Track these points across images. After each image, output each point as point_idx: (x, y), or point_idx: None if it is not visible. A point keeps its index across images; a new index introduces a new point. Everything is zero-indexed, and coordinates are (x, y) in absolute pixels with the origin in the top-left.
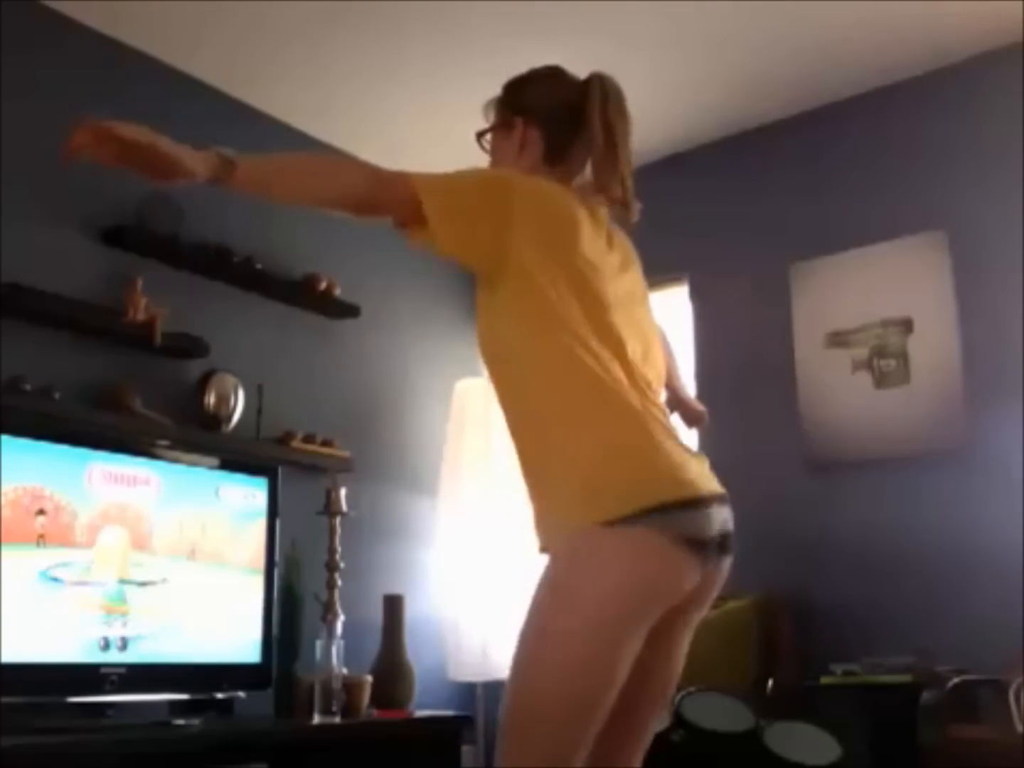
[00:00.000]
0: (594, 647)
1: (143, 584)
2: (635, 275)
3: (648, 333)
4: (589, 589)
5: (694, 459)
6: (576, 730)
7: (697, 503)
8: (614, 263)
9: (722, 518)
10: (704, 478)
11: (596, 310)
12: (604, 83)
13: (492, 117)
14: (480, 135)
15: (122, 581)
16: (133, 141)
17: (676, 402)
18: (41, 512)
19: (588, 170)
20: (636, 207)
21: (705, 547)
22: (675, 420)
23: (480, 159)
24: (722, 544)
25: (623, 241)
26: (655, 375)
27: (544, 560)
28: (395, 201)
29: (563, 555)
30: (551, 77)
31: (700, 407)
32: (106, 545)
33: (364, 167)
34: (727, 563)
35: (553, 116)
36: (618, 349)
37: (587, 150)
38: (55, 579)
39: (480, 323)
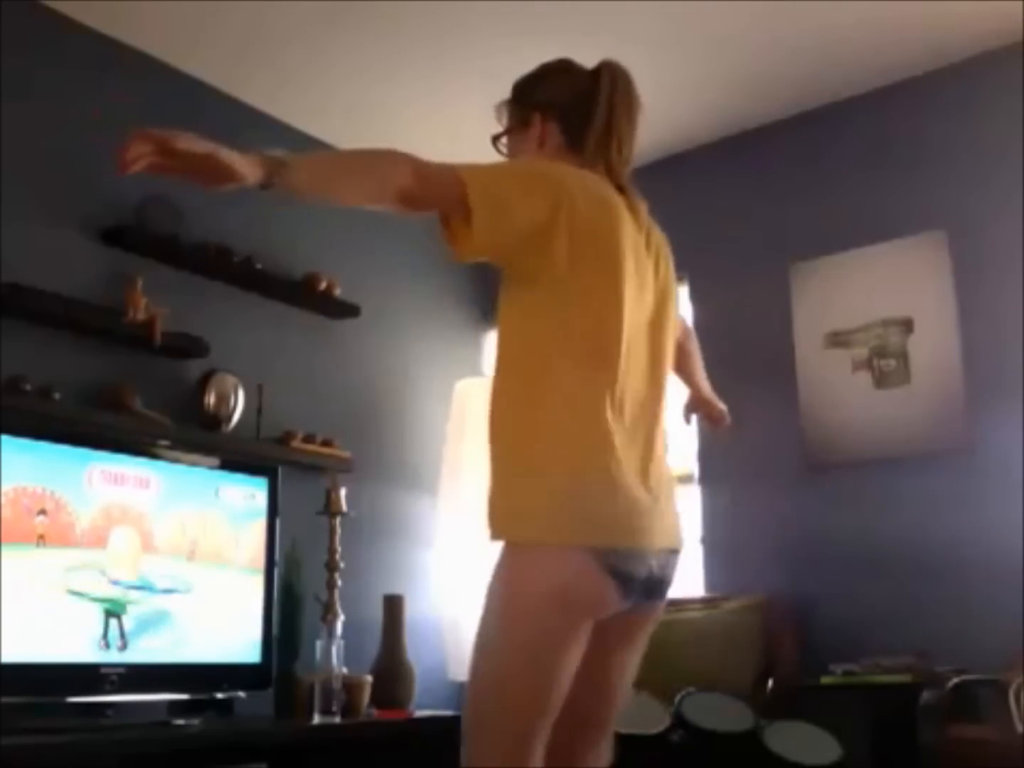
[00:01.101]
0: (535, 650)
1: (143, 584)
2: (665, 273)
3: (663, 358)
4: (529, 596)
5: (655, 509)
6: (526, 729)
7: (633, 550)
8: (648, 268)
9: (659, 564)
10: (657, 529)
11: (614, 330)
12: (613, 70)
13: (504, 119)
14: (496, 138)
15: (122, 581)
16: (191, 153)
17: (699, 402)
18: (42, 512)
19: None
20: (634, 192)
21: (629, 583)
22: (695, 420)
23: (491, 155)
24: (651, 588)
25: (658, 234)
26: (657, 405)
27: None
28: (439, 194)
29: (504, 563)
30: (562, 70)
31: (722, 407)
32: (118, 546)
33: (410, 161)
34: (655, 608)
35: (569, 107)
36: (628, 370)
37: (596, 137)
38: (55, 579)
39: (502, 322)
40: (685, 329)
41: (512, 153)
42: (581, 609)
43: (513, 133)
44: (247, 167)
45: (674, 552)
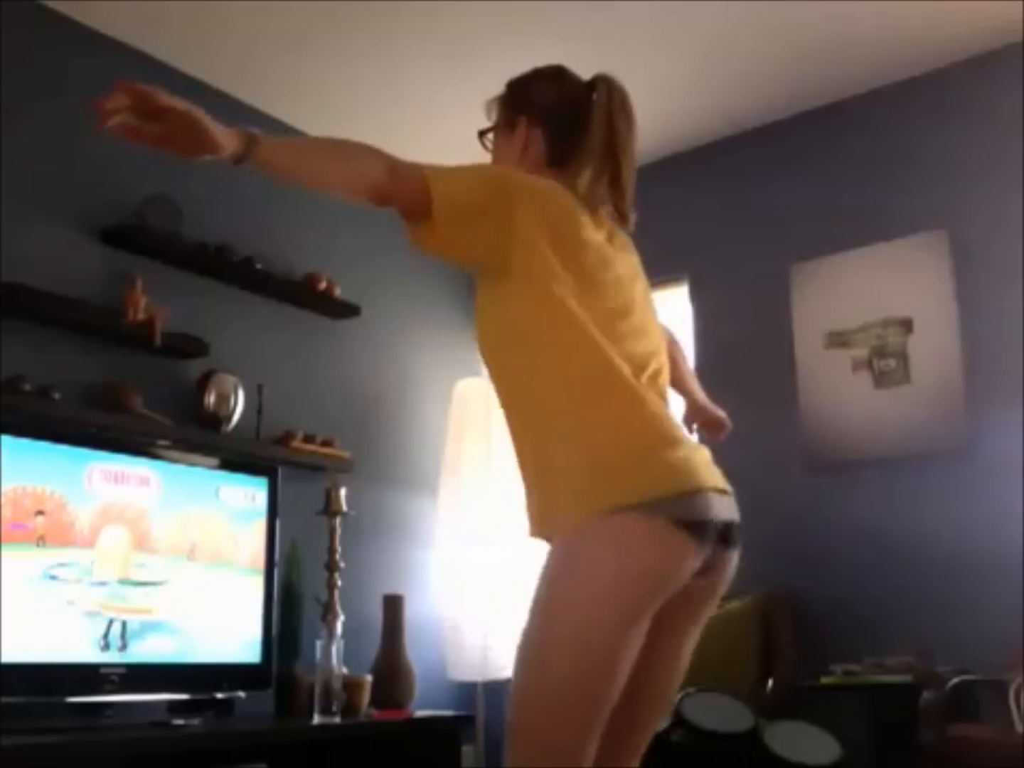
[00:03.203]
0: (595, 642)
1: (143, 584)
2: (636, 275)
3: (652, 329)
4: (587, 585)
5: (697, 453)
6: (582, 725)
7: (696, 492)
8: (614, 259)
9: (723, 506)
10: (707, 472)
11: (600, 303)
12: (611, 87)
13: (494, 115)
14: (482, 133)
15: (122, 581)
16: (170, 107)
17: (695, 410)
18: (40, 512)
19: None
20: (632, 218)
21: (704, 530)
22: (694, 430)
23: (482, 157)
24: (725, 534)
25: (625, 242)
26: (659, 366)
27: (541, 547)
28: (407, 193)
29: (561, 549)
30: (555, 77)
31: (720, 414)
32: (107, 545)
33: (383, 157)
34: (733, 557)
35: (557, 116)
36: (623, 339)
37: (591, 155)
38: (55, 579)
39: (482, 318)
40: (671, 339)
41: (496, 151)
42: (652, 584)
43: (499, 131)
44: (224, 137)
45: (726, 492)
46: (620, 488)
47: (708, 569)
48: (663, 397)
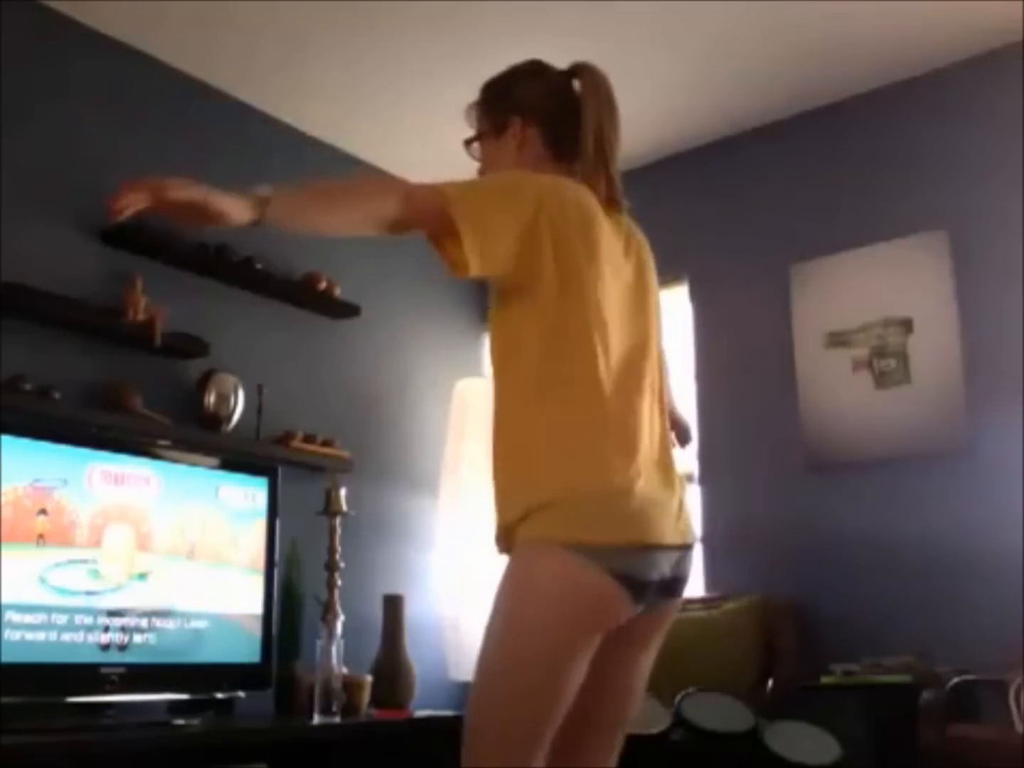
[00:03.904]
0: (537, 669)
1: (143, 584)
2: (647, 281)
3: (652, 350)
4: (530, 615)
5: (661, 503)
6: (532, 730)
7: (643, 549)
8: (629, 274)
9: (670, 563)
10: (664, 527)
11: (605, 333)
12: (593, 75)
13: (476, 123)
14: (468, 142)
15: (122, 581)
16: (187, 200)
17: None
18: (42, 511)
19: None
20: (624, 204)
21: (641, 588)
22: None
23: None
24: (666, 588)
25: (640, 241)
26: (654, 392)
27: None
28: (428, 217)
29: (511, 573)
30: (537, 72)
31: (686, 423)
32: (112, 544)
33: (395, 187)
34: (673, 605)
35: (548, 111)
36: (620, 371)
37: (581, 143)
38: (55, 578)
39: (497, 332)
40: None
41: (487, 159)
42: (588, 613)
43: (487, 138)
44: (236, 209)
45: (687, 548)
46: (574, 524)
47: (650, 611)
48: (651, 436)
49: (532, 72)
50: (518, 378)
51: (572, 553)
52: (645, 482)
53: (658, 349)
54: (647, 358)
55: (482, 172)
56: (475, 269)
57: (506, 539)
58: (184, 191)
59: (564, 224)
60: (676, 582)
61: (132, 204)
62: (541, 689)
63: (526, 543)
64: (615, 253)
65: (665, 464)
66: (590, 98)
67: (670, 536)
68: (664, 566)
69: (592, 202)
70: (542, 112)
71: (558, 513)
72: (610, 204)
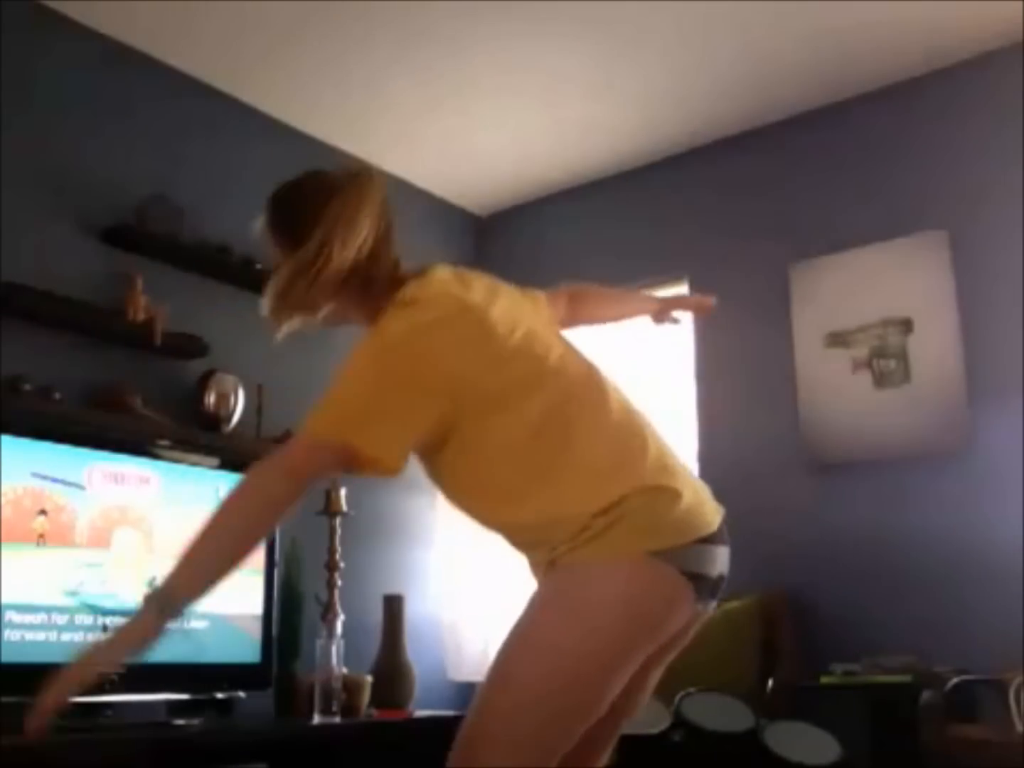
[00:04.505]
0: (587, 674)
1: (142, 584)
2: (513, 301)
3: (585, 360)
4: (591, 619)
5: (699, 489)
6: (559, 737)
7: (704, 542)
8: (502, 310)
9: (723, 560)
10: (710, 511)
11: (559, 388)
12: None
13: (266, 242)
14: (272, 271)
15: (122, 581)
16: (96, 675)
17: (662, 310)
18: (42, 512)
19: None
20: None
21: (705, 584)
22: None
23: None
24: (715, 588)
25: (474, 281)
26: (618, 393)
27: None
28: (326, 461)
29: (572, 575)
30: (316, 189)
31: (678, 296)
32: (114, 546)
33: (271, 468)
34: (710, 607)
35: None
36: (595, 398)
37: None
38: (54, 578)
39: (449, 481)
40: (573, 296)
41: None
42: (653, 626)
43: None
44: (140, 643)
45: (724, 532)
46: (642, 536)
47: (694, 613)
48: (653, 439)
49: (315, 195)
50: (501, 479)
51: (646, 561)
52: (681, 473)
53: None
54: (593, 370)
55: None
56: (395, 460)
57: (564, 555)
58: (84, 673)
59: (456, 354)
60: (721, 580)
61: (47, 722)
62: (592, 693)
63: (590, 560)
64: (504, 323)
65: (672, 454)
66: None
67: (717, 520)
68: (720, 560)
69: (455, 300)
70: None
71: (621, 529)
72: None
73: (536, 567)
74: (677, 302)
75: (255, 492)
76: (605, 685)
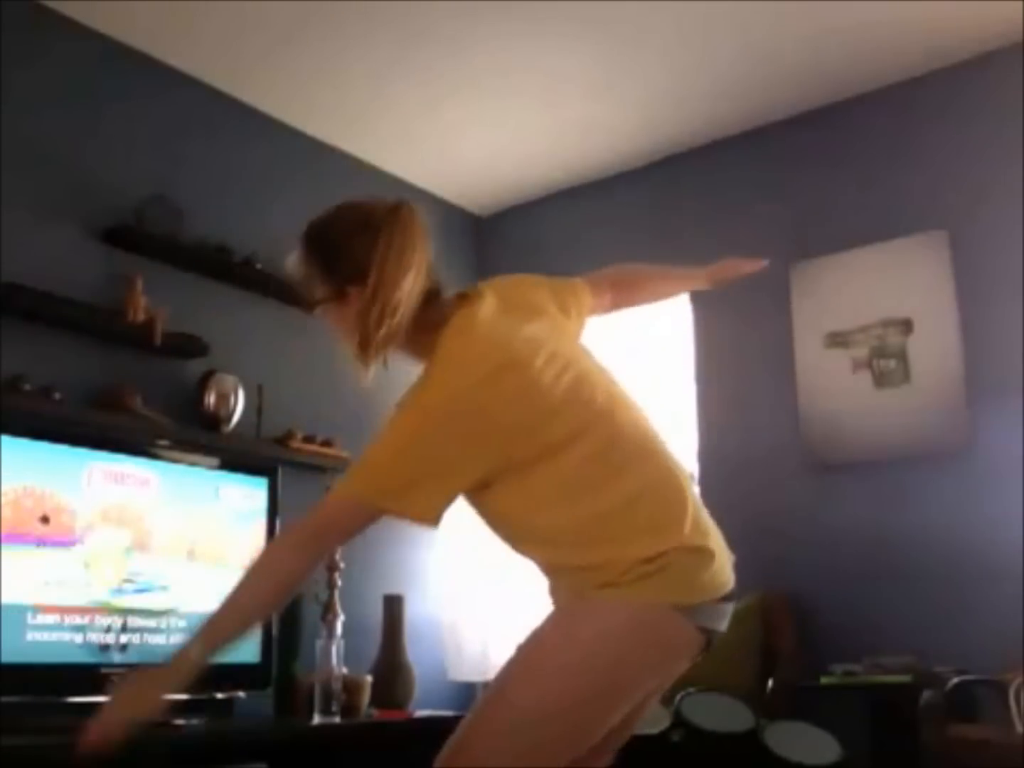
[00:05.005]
0: (591, 700)
1: (143, 584)
2: (547, 327)
3: (617, 393)
4: (620, 642)
5: (723, 546)
6: (545, 761)
7: (722, 601)
8: (546, 350)
9: (725, 617)
10: (729, 570)
11: (580, 451)
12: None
13: (309, 278)
14: (314, 306)
15: (122, 581)
16: (128, 726)
17: (712, 279)
18: (45, 520)
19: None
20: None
21: (713, 637)
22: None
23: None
24: (711, 641)
25: (506, 294)
26: (664, 449)
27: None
28: (355, 527)
29: (600, 607)
30: (356, 225)
31: (731, 263)
32: (100, 546)
33: (297, 538)
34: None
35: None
36: (623, 464)
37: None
38: (54, 578)
39: (493, 518)
40: (617, 281)
41: (339, 322)
42: (658, 671)
43: (330, 305)
44: (170, 690)
45: (733, 594)
46: (673, 588)
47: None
48: (677, 486)
49: (353, 228)
50: (546, 524)
51: (669, 613)
52: (706, 536)
53: (614, 384)
54: (633, 409)
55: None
56: (435, 518)
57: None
58: (125, 720)
59: (490, 406)
60: (716, 635)
61: (98, 745)
62: (598, 717)
63: (618, 600)
64: (539, 358)
65: (696, 510)
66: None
67: (731, 580)
68: (728, 616)
69: (500, 343)
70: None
71: (658, 580)
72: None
73: (558, 592)
74: (726, 268)
75: (269, 573)
76: (600, 718)
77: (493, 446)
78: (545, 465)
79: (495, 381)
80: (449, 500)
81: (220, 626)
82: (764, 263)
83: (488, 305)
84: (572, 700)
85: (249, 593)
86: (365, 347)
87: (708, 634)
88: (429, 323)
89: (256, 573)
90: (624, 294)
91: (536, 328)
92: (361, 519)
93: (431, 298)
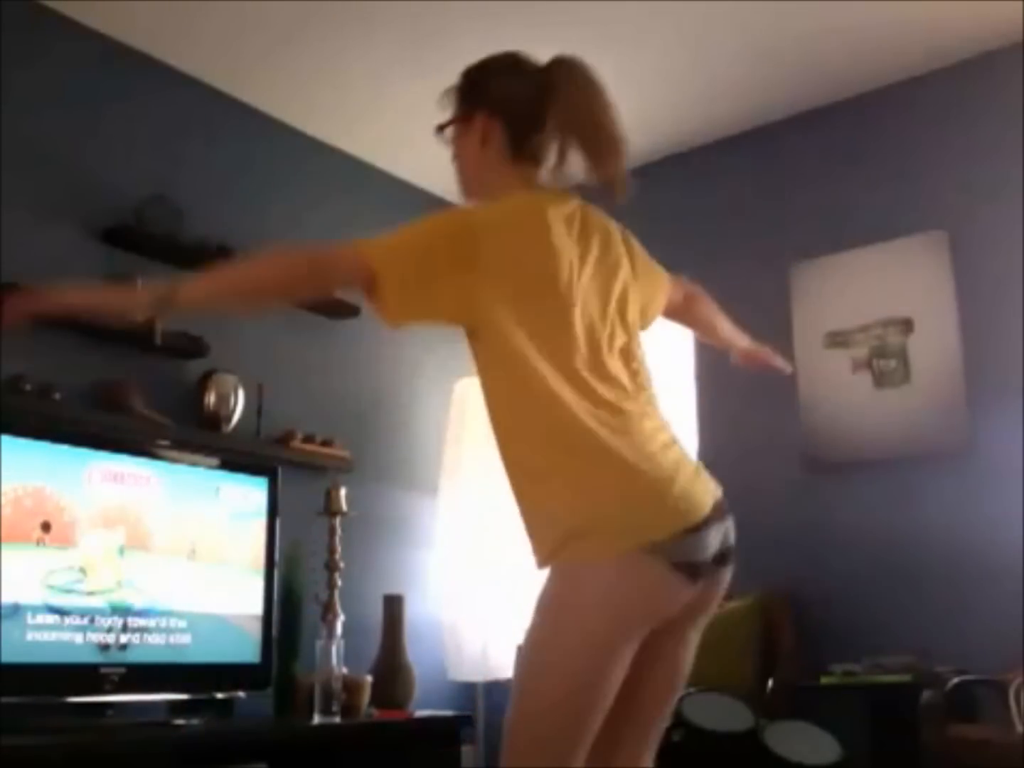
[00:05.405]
0: (587, 661)
1: (143, 584)
2: (613, 264)
3: (633, 338)
4: (582, 612)
5: (688, 477)
6: (573, 734)
7: (694, 531)
8: (589, 273)
9: (720, 535)
10: (699, 496)
11: (564, 352)
12: (566, 65)
13: (451, 107)
14: (440, 128)
15: (122, 581)
16: (72, 306)
17: (744, 356)
18: (46, 527)
19: (552, 159)
20: (623, 189)
21: (699, 568)
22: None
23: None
24: (720, 559)
25: (600, 226)
26: (647, 392)
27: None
28: (347, 276)
29: (559, 578)
30: (511, 66)
31: (768, 353)
32: (100, 546)
33: (301, 253)
34: (727, 573)
35: (515, 107)
36: (593, 383)
37: (558, 139)
38: (54, 578)
39: (478, 376)
40: (689, 293)
41: (456, 146)
42: (651, 612)
43: (457, 125)
44: (127, 304)
45: (721, 508)
46: (628, 533)
47: (705, 588)
48: (646, 415)
49: (506, 65)
50: (504, 418)
51: (635, 558)
52: (666, 463)
53: (636, 332)
54: (629, 345)
55: (454, 158)
56: (396, 316)
57: (547, 559)
58: (62, 297)
59: (505, 258)
60: (726, 552)
61: (17, 318)
62: (593, 688)
63: (578, 560)
64: (571, 255)
65: (666, 433)
66: (561, 95)
67: (704, 504)
68: (714, 541)
69: (543, 218)
70: (507, 108)
71: (610, 529)
72: (611, 189)
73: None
74: (759, 356)
75: (279, 259)
76: (599, 677)
77: (479, 283)
78: (514, 357)
79: (518, 237)
80: (418, 307)
81: (192, 280)
82: (790, 369)
83: (564, 211)
84: (568, 669)
85: (233, 268)
86: (474, 173)
87: (690, 567)
88: (511, 179)
89: (248, 261)
90: (687, 308)
91: (588, 259)
92: (350, 276)
93: (529, 162)
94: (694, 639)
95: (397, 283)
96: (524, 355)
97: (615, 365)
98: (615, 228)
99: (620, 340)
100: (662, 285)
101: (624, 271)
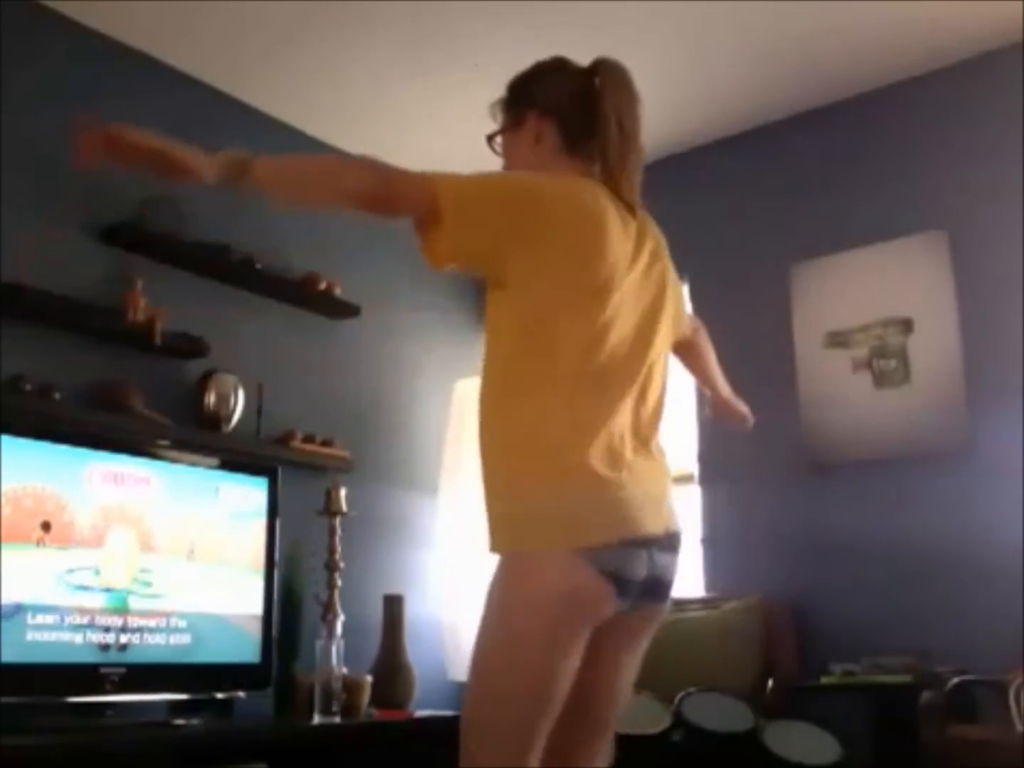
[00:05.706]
0: (534, 654)
1: (143, 584)
2: (659, 275)
3: (657, 349)
4: (523, 605)
5: (649, 489)
6: (528, 728)
7: (630, 544)
8: (638, 274)
9: (660, 563)
10: (649, 513)
11: (591, 335)
12: (614, 73)
13: (499, 118)
14: (490, 137)
15: (121, 581)
16: (143, 147)
17: (719, 404)
18: (47, 526)
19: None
20: (637, 202)
21: (627, 585)
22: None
23: (484, 158)
24: (649, 589)
25: (653, 234)
26: (651, 401)
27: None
28: (410, 202)
29: (501, 572)
30: (558, 68)
31: (743, 409)
32: (114, 547)
33: (376, 167)
34: (660, 610)
35: (565, 107)
36: (603, 376)
37: (600, 141)
38: (54, 578)
39: (486, 322)
40: (696, 328)
41: (506, 152)
42: (579, 612)
43: (507, 132)
44: (202, 164)
45: (671, 541)
46: (555, 532)
47: (635, 612)
48: (636, 426)
49: (553, 68)
50: (495, 371)
51: (565, 557)
52: (628, 473)
53: (664, 348)
54: (647, 354)
55: (504, 167)
56: (443, 255)
57: (496, 540)
58: (141, 137)
59: (563, 224)
60: (659, 585)
61: (94, 150)
62: (534, 689)
63: (518, 552)
64: (624, 249)
65: (651, 453)
66: (608, 96)
67: (653, 526)
68: (647, 562)
69: (600, 202)
70: (559, 107)
71: (547, 521)
72: (625, 202)
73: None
74: (728, 406)
75: (352, 166)
76: (546, 683)
77: (531, 241)
78: (536, 315)
79: (580, 209)
80: (463, 257)
81: (267, 158)
82: (750, 425)
83: (604, 200)
84: (515, 660)
85: (308, 159)
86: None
87: (619, 580)
88: (568, 170)
89: (324, 157)
90: (688, 344)
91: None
92: (413, 204)
93: (585, 159)
94: (630, 664)
95: (455, 222)
96: (549, 319)
97: (628, 366)
98: (663, 240)
99: (642, 348)
100: (683, 306)
101: (667, 287)
